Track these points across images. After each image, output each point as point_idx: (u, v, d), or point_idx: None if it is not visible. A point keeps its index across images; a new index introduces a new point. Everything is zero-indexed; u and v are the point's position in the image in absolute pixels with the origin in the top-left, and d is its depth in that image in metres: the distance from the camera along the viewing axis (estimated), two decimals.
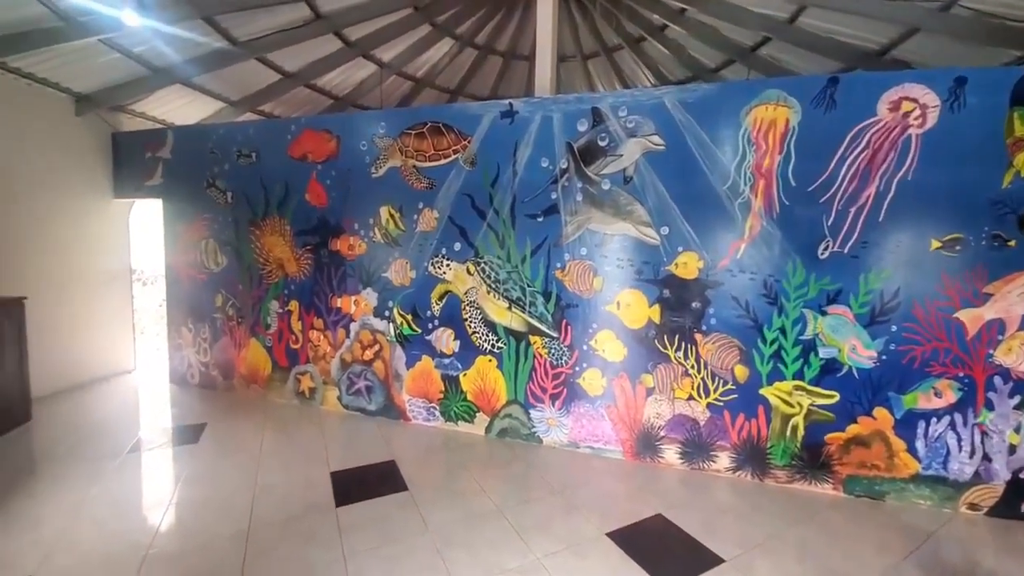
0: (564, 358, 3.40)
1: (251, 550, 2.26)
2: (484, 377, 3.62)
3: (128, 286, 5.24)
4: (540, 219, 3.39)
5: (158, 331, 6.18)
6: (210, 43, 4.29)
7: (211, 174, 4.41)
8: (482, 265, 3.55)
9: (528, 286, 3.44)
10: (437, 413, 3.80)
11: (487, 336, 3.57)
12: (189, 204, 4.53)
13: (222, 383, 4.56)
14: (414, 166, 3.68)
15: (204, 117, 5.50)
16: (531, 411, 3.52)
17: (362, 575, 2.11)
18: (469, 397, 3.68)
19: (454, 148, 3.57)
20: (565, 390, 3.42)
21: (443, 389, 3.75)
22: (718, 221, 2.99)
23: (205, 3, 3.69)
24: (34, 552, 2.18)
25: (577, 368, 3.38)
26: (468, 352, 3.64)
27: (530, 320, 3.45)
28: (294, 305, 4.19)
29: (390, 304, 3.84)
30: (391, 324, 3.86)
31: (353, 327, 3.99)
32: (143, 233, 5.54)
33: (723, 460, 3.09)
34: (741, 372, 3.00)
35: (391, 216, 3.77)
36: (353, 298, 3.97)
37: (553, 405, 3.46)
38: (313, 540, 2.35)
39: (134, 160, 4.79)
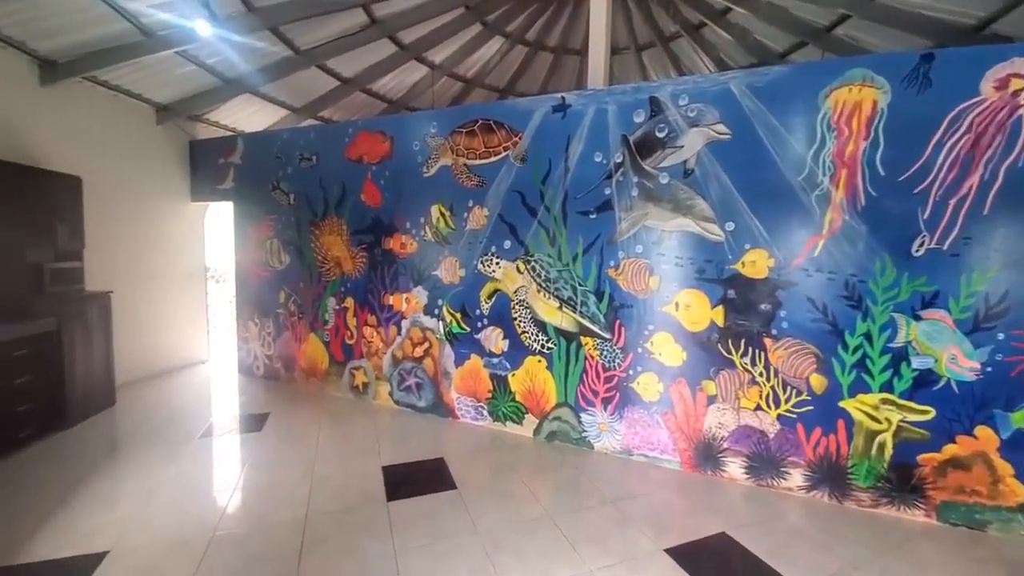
0: (617, 361, 3.27)
1: (308, 537, 2.32)
2: (533, 378, 3.55)
3: (203, 283, 5.63)
4: (593, 216, 3.27)
5: (228, 325, 6.62)
6: (276, 52, 4.52)
7: (276, 177, 4.64)
8: (532, 263, 3.48)
9: (579, 285, 3.34)
10: (485, 412, 3.77)
11: (537, 336, 3.50)
12: (256, 206, 4.80)
13: (284, 375, 4.79)
14: (465, 164, 3.68)
15: (270, 124, 5.82)
16: (582, 415, 3.41)
17: (412, 571, 2.11)
18: (518, 398, 3.63)
19: (504, 145, 3.53)
20: (618, 394, 3.29)
21: (491, 389, 3.72)
22: (792, 215, 2.75)
23: (271, 14, 3.87)
24: (112, 530, 2.36)
25: (631, 372, 3.23)
26: (517, 352, 3.59)
27: (581, 320, 3.34)
28: (349, 302, 4.32)
29: (440, 302, 3.86)
30: (441, 322, 3.88)
31: (404, 324, 4.05)
32: (216, 234, 5.93)
33: (795, 477, 2.84)
34: (818, 382, 2.74)
35: (442, 214, 3.79)
36: (404, 296, 4.03)
37: (605, 410, 3.34)
38: (366, 532, 2.38)
39: (208, 165, 5.14)
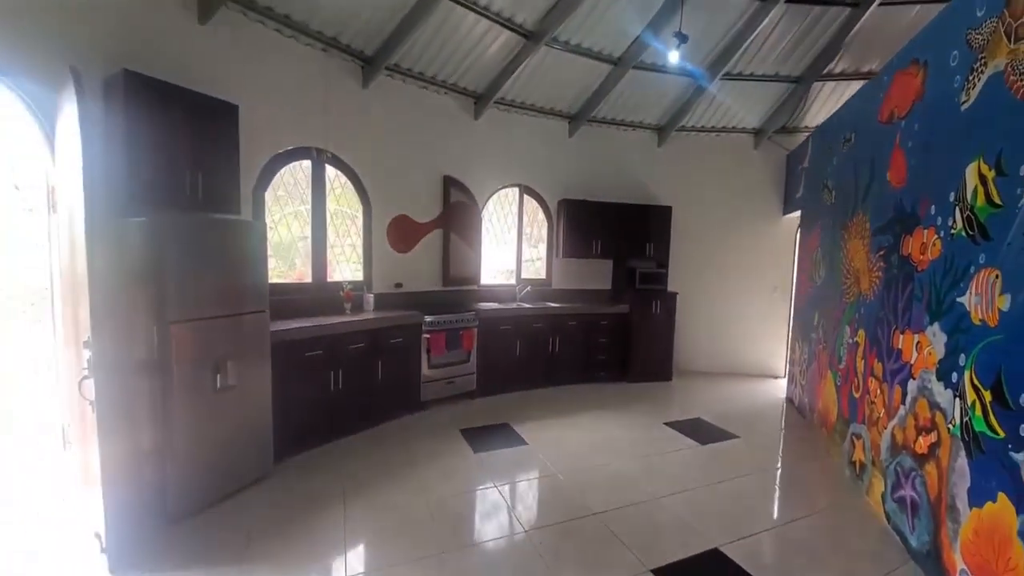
0: None
1: None
2: None
3: (788, 300, 5.44)
4: None
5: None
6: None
7: (825, 174, 3.82)
8: None
9: None
10: None
11: None
12: (811, 212, 4.18)
13: (808, 414, 3.92)
14: None
15: None
16: None
17: None
18: None
19: None
20: None
21: None
22: None
23: None
24: (548, 453, 3.30)
25: None
26: None
27: None
28: (861, 335, 2.93)
29: (961, 359, 1.88)
30: (959, 400, 1.89)
31: (911, 388, 2.28)
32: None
33: None
34: None
35: (981, 180, 1.82)
36: (916, 337, 2.26)
37: None
38: None
39: (795, 176, 4.93)
